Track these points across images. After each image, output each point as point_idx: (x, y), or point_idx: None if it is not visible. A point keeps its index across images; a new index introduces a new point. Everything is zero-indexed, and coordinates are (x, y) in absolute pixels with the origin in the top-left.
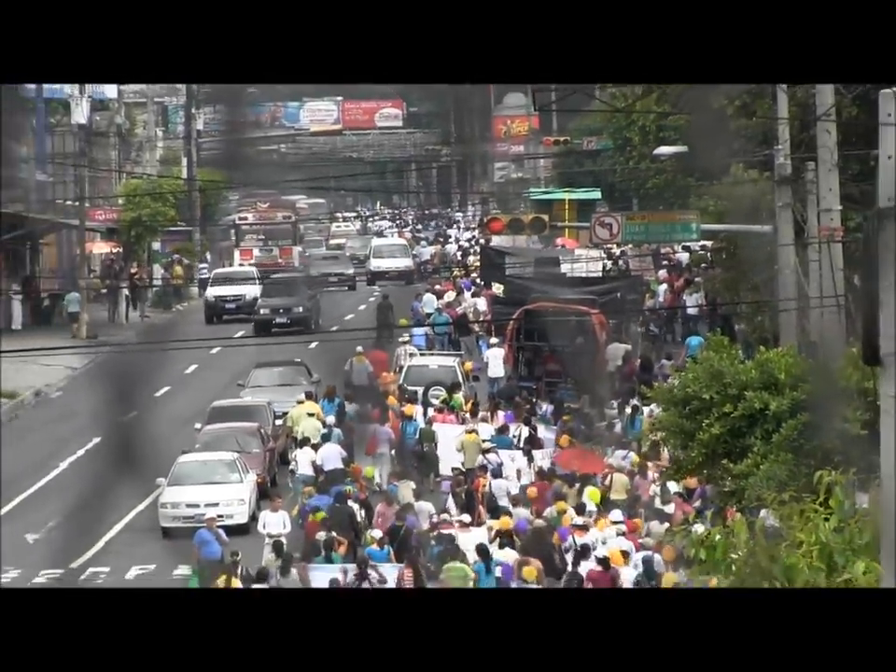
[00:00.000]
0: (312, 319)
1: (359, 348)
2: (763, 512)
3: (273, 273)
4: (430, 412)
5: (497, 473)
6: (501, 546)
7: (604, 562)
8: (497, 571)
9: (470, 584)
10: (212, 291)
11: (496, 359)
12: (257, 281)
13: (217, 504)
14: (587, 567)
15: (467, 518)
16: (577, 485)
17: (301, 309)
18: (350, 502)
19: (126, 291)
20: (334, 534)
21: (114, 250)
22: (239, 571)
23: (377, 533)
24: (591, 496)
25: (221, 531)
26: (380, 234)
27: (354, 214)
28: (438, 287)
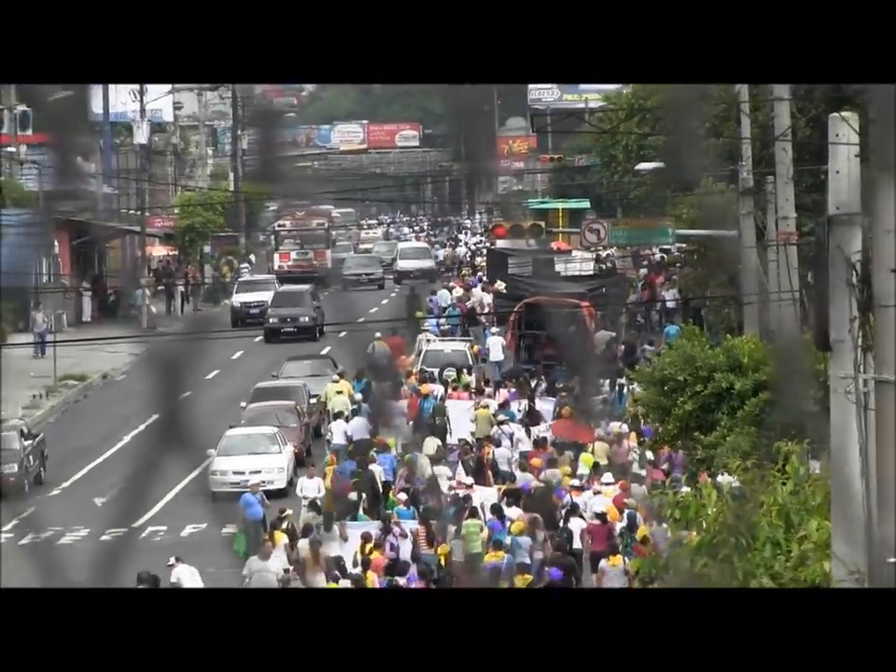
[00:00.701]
0: (316, 327)
1: (378, 334)
2: (720, 477)
3: (310, 273)
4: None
5: (499, 443)
6: (508, 504)
7: (602, 516)
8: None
9: (484, 536)
10: (237, 298)
11: (496, 346)
12: (277, 288)
13: (259, 472)
14: (577, 523)
15: (469, 480)
16: (569, 452)
17: (306, 318)
18: (373, 467)
19: (181, 288)
20: (364, 495)
21: (170, 253)
22: (285, 527)
23: (402, 495)
24: (585, 461)
25: (263, 495)
26: (402, 239)
27: (377, 221)
28: (451, 283)
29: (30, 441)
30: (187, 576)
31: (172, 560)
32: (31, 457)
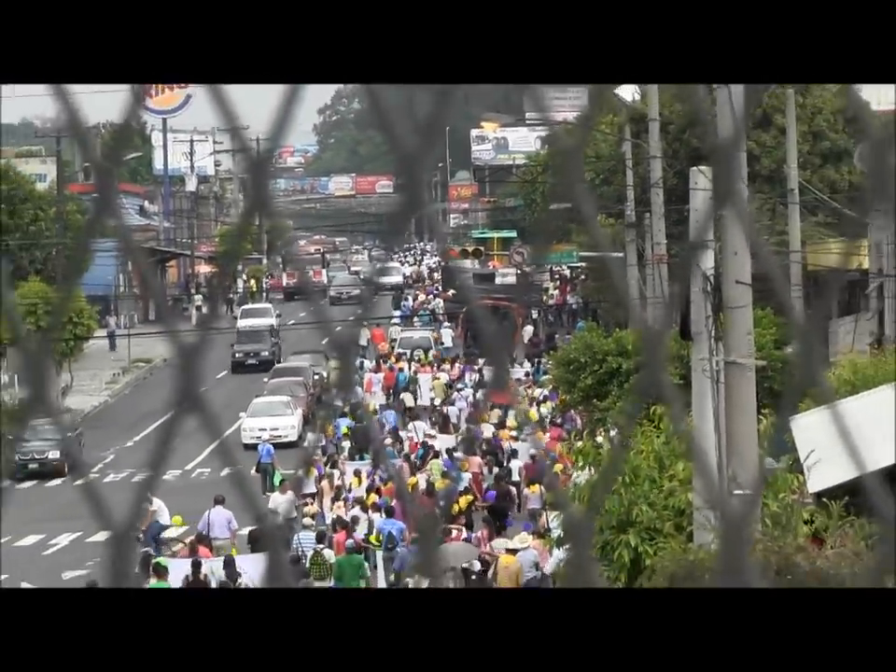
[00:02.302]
0: (275, 360)
1: (364, 323)
2: (612, 433)
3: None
4: (415, 365)
5: (452, 402)
6: (464, 451)
7: (534, 457)
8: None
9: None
10: (241, 322)
11: (446, 335)
12: (273, 315)
13: (277, 429)
14: (516, 463)
15: (433, 431)
16: (497, 410)
17: (266, 353)
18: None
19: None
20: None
21: (212, 270)
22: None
23: (389, 439)
24: (530, 416)
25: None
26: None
27: (363, 247)
28: (416, 291)
29: (70, 433)
30: (162, 506)
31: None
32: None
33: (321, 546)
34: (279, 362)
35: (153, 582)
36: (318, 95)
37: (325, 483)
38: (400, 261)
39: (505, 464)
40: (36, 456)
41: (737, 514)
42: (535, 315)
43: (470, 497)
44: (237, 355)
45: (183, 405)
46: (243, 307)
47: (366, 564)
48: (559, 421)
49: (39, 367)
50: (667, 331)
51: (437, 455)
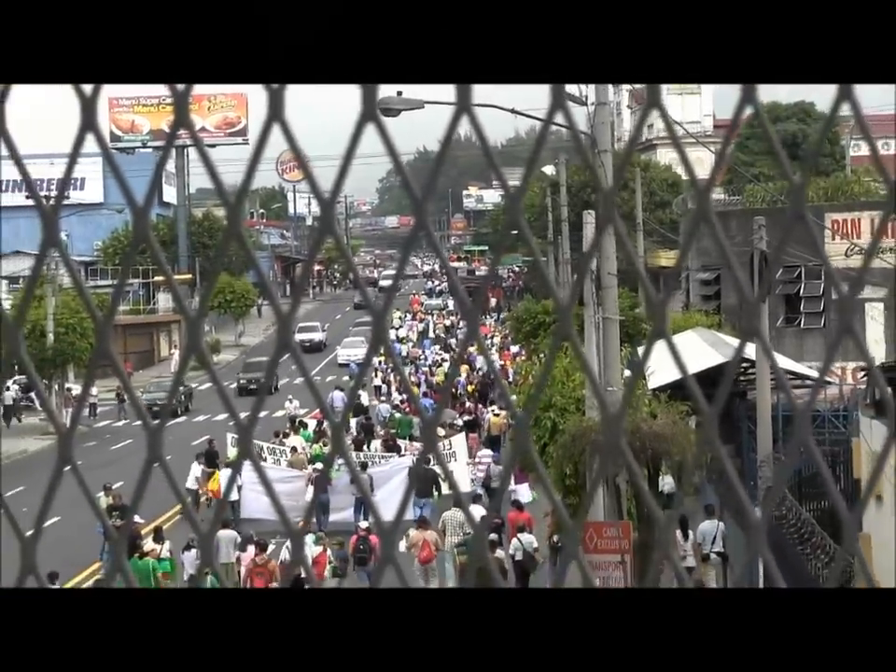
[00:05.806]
0: (271, 389)
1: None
2: (541, 356)
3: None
4: (435, 317)
5: (455, 336)
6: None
7: (503, 367)
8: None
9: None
10: (297, 336)
11: (451, 302)
12: (321, 330)
13: (357, 355)
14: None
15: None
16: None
17: (263, 380)
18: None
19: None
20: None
21: (322, 268)
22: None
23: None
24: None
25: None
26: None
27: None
28: (435, 279)
29: (183, 387)
30: (294, 405)
31: (290, 397)
32: (182, 396)
33: (394, 412)
34: (276, 390)
35: (303, 431)
36: (379, 171)
37: (392, 377)
38: (427, 262)
39: (485, 368)
40: (158, 402)
41: (611, 402)
42: (502, 294)
43: (474, 386)
44: (241, 381)
45: (281, 347)
46: (300, 324)
47: (415, 421)
48: (511, 349)
49: (195, 329)
50: (573, 300)
51: (440, 364)
